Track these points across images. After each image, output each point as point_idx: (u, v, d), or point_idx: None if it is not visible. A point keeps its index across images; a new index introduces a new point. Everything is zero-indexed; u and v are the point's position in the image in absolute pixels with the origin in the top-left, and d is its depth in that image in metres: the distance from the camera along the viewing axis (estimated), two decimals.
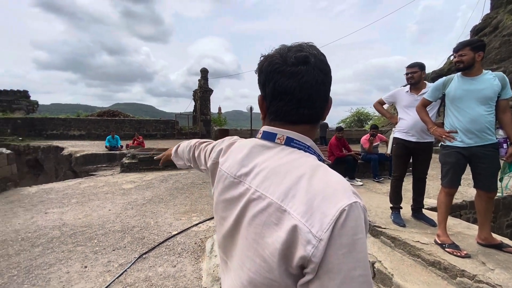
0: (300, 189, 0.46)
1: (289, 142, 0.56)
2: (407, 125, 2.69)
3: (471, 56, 2.08)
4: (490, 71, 2.15)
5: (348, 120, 20.93)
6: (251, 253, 0.51)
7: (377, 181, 4.98)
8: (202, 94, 18.28)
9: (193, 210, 4.28)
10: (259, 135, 0.61)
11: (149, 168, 7.55)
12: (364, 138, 5.31)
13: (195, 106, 20.78)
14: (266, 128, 0.59)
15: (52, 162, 12.01)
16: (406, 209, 2.96)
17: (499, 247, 2.11)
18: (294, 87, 0.53)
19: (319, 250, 0.41)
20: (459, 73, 2.21)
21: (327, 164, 0.54)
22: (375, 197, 3.72)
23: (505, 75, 2.12)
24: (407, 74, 2.72)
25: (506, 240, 2.25)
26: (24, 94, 21.79)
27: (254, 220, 0.51)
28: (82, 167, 9.12)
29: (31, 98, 22.12)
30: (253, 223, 0.51)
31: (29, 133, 15.02)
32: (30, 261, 2.73)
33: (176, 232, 3.39)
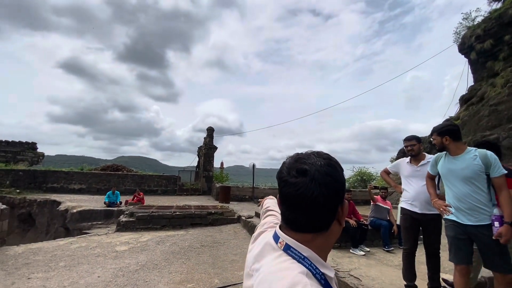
0: None
1: (287, 249, 0.59)
2: (410, 195, 2.71)
3: (439, 140, 2.26)
4: (474, 149, 2.19)
5: (351, 179, 20.69)
6: None
7: (387, 251, 4.67)
8: (207, 151, 18.72)
9: (189, 280, 3.93)
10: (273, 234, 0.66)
11: (146, 228, 7.23)
12: (376, 197, 5.22)
13: (198, 162, 21.04)
14: (277, 229, 0.64)
15: (45, 217, 11.58)
16: (422, 286, 2.71)
17: None
18: (292, 196, 0.57)
19: None
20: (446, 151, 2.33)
21: None
22: (387, 271, 3.44)
23: (487, 154, 2.11)
24: (406, 147, 2.84)
25: None
26: (32, 146, 22.09)
27: None
28: (77, 224, 8.75)
29: (38, 150, 22.55)
30: None
31: (28, 185, 14.89)
32: None
33: None
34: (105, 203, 10.03)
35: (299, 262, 0.55)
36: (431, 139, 2.35)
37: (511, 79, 11.71)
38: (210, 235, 6.83)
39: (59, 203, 11.23)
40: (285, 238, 0.60)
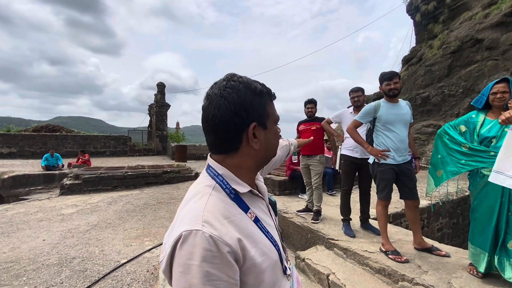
0: (180, 210, 0.58)
1: (207, 169, 0.64)
2: (353, 143, 2.91)
3: (401, 85, 2.43)
4: (401, 99, 2.56)
5: None
6: None
7: (330, 194, 5.29)
8: (159, 109, 17.59)
9: (146, 234, 3.97)
10: None
11: (96, 189, 6.85)
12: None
13: (150, 121, 19.80)
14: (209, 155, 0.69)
15: None
16: (355, 220, 3.19)
17: (430, 250, 2.40)
18: (202, 120, 0.62)
19: (163, 262, 0.52)
20: (383, 99, 2.53)
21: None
22: (329, 210, 3.94)
23: (410, 104, 2.60)
24: (353, 98, 3.03)
25: (436, 244, 2.57)
26: None
27: None
28: (11, 190, 7.83)
29: None
30: None
31: None
32: None
33: (125, 260, 3.09)
34: (42, 167, 9.00)
35: (212, 178, 0.61)
36: (389, 83, 2.42)
37: (446, 41, 12.90)
38: (167, 193, 6.82)
39: None
40: (208, 160, 0.66)
